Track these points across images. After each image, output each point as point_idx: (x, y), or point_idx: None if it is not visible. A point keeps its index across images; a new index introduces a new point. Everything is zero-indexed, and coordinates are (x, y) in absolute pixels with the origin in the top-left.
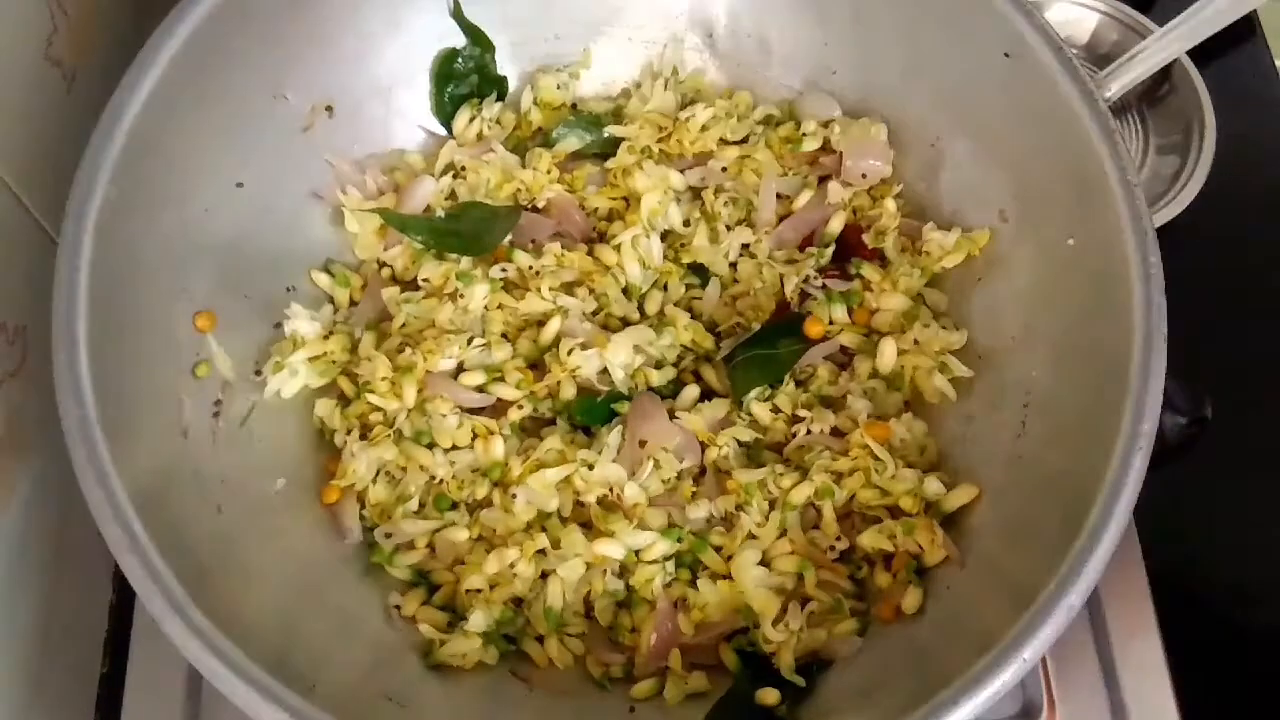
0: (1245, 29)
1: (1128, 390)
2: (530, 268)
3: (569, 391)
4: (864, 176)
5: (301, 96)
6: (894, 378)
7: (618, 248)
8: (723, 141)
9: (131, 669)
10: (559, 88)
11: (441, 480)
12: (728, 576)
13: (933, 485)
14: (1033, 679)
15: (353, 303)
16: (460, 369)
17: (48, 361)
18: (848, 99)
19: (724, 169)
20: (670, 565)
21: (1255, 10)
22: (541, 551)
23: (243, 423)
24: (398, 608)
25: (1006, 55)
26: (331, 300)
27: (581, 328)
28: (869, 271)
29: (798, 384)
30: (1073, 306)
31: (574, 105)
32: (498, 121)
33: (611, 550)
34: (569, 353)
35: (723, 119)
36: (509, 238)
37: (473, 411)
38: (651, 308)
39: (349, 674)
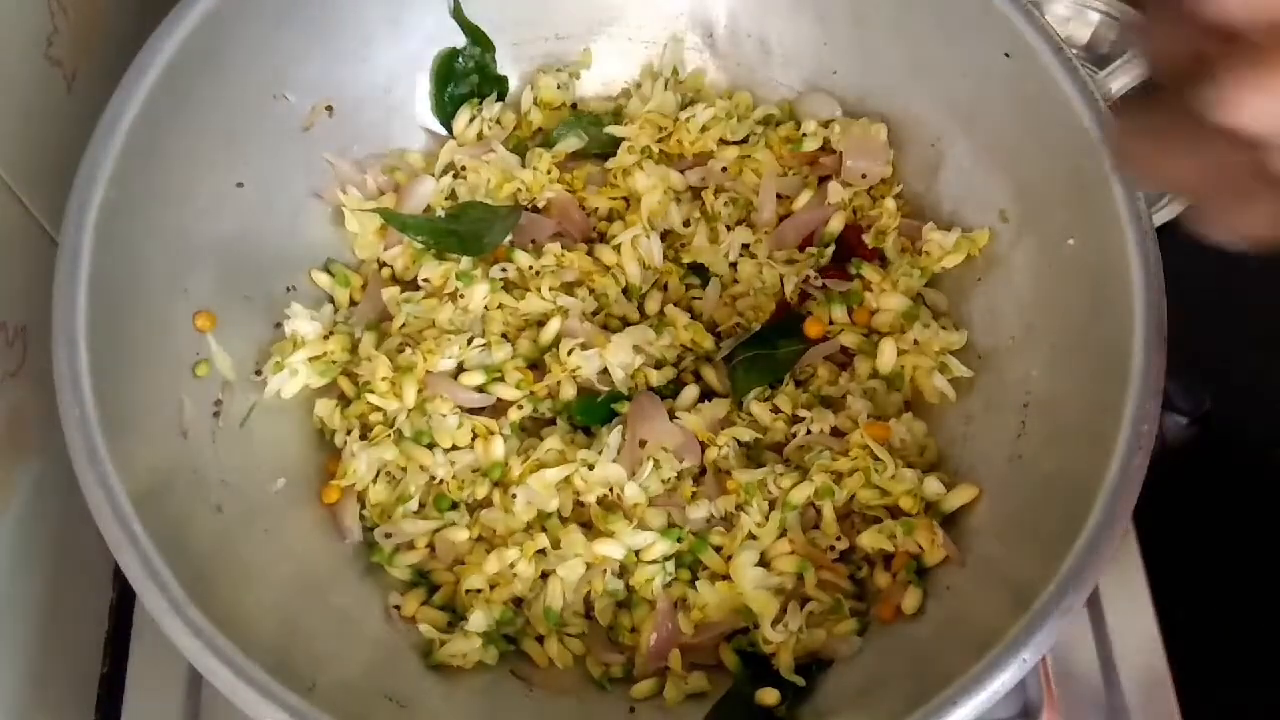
0: None
1: (1128, 390)
2: (530, 268)
3: (569, 391)
4: (864, 176)
5: (301, 96)
6: (894, 378)
7: (618, 248)
8: (723, 141)
9: (131, 669)
10: (559, 88)
11: (441, 480)
12: (727, 577)
13: (932, 485)
14: (1033, 679)
15: (353, 303)
16: (460, 369)
17: (48, 361)
18: (848, 99)
19: (724, 169)
20: (670, 565)
21: None
22: (541, 551)
23: (243, 423)
24: (398, 608)
25: (1007, 55)
26: (331, 300)
27: (581, 328)
28: (869, 271)
29: (798, 384)
30: (1073, 306)
31: (574, 105)
32: (498, 121)
33: (611, 550)
34: (569, 353)
35: (723, 119)
36: (509, 238)
37: (473, 411)
38: (651, 308)
39: (349, 674)
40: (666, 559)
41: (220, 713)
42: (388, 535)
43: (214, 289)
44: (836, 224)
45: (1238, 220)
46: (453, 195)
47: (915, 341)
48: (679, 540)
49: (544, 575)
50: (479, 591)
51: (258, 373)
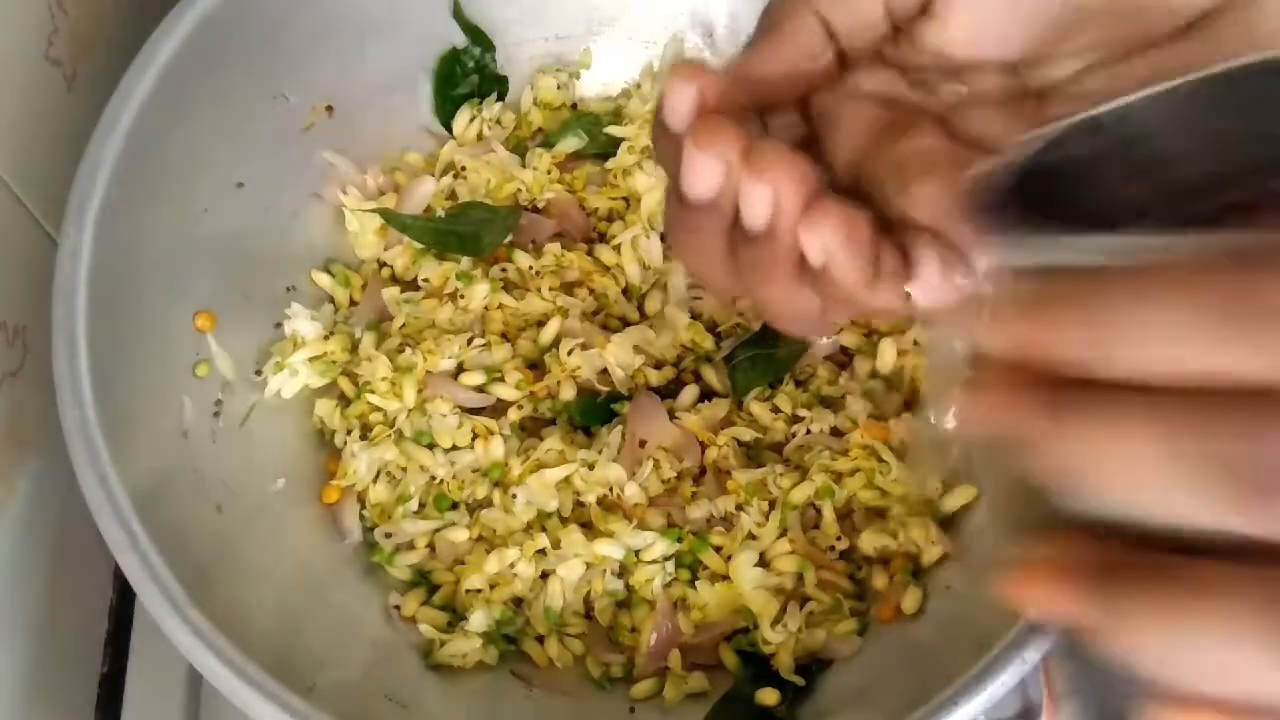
0: None
1: None
2: (530, 268)
3: (568, 392)
4: None
5: (301, 96)
6: (894, 378)
7: (618, 248)
8: None
9: (131, 669)
10: (559, 88)
11: (442, 480)
12: (727, 577)
13: (931, 484)
14: (1033, 679)
15: (353, 303)
16: (460, 369)
17: (48, 361)
18: None
19: None
20: (670, 565)
21: None
22: (542, 551)
23: (243, 423)
24: (398, 608)
25: None
26: (331, 300)
27: (581, 328)
28: None
29: (798, 384)
30: None
31: (574, 105)
32: (498, 121)
33: (611, 550)
34: (569, 353)
35: None
36: (509, 238)
37: (473, 411)
38: (652, 308)
39: (349, 674)
40: (666, 559)
41: (220, 713)
42: (388, 535)
43: (214, 289)
44: None
45: (763, 304)
46: (453, 195)
47: (915, 342)
48: (679, 540)
49: (544, 575)
50: (479, 591)
51: (258, 373)
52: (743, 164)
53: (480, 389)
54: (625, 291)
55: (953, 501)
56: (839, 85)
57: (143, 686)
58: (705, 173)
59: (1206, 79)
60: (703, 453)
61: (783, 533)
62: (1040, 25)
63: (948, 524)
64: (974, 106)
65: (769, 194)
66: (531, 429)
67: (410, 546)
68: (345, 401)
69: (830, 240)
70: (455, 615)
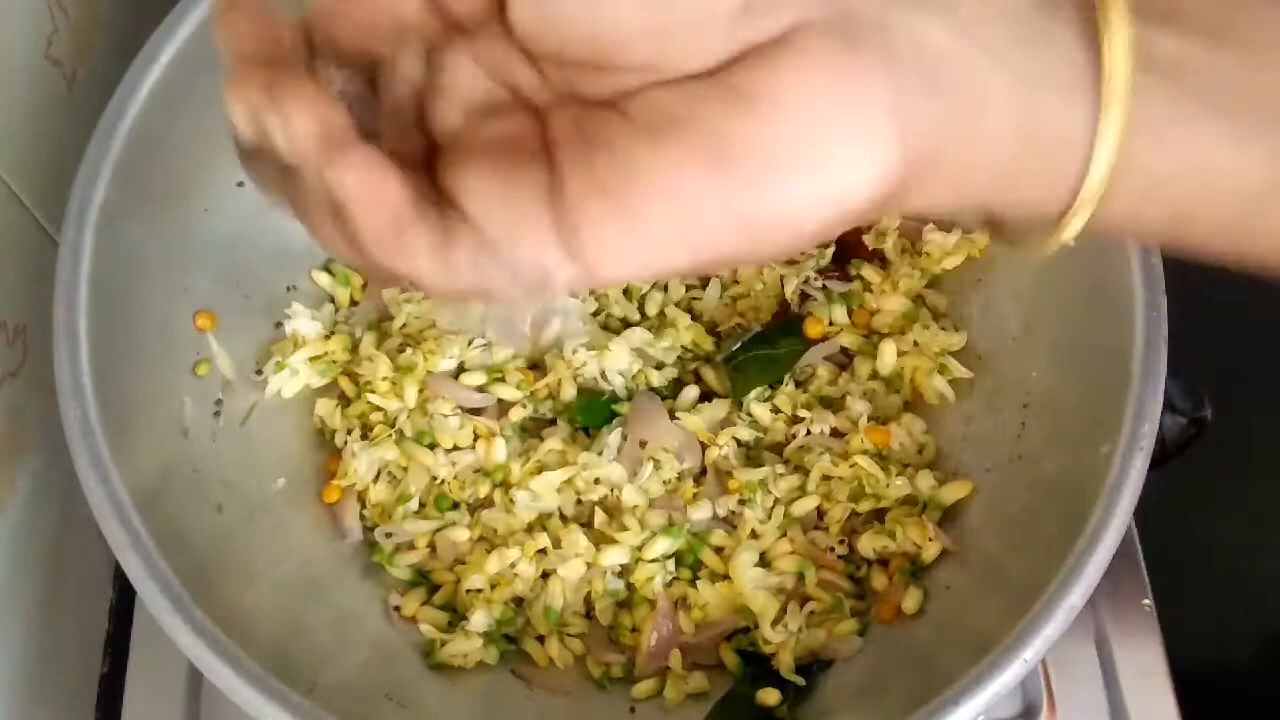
0: None
1: (1128, 390)
2: None
3: (569, 392)
4: None
5: None
6: (894, 379)
7: None
8: None
9: (131, 669)
10: None
11: (442, 480)
12: (727, 577)
13: (925, 480)
14: (1033, 679)
15: (353, 302)
16: (461, 369)
17: (48, 361)
18: None
19: None
20: (671, 564)
21: None
22: (542, 551)
23: (243, 422)
24: (398, 608)
25: None
26: (332, 300)
27: (582, 328)
28: (869, 273)
29: (797, 384)
30: (1073, 306)
31: None
32: None
33: (615, 558)
34: (573, 351)
35: None
36: None
37: (474, 412)
38: (652, 309)
39: (349, 673)
40: (667, 558)
41: (221, 712)
42: (388, 535)
43: (214, 289)
44: None
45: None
46: None
47: (915, 343)
48: (679, 538)
49: (544, 575)
50: (479, 591)
51: (258, 372)
52: (266, 98)
53: (481, 389)
54: (625, 292)
55: (946, 495)
56: (455, 47)
57: (143, 686)
58: (239, 118)
59: None
60: (703, 453)
61: (783, 533)
62: (606, 28)
63: (948, 525)
64: (560, 104)
65: (290, 128)
66: (532, 429)
67: (411, 546)
68: (346, 401)
69: (348, 187)
70: (455, 615)
